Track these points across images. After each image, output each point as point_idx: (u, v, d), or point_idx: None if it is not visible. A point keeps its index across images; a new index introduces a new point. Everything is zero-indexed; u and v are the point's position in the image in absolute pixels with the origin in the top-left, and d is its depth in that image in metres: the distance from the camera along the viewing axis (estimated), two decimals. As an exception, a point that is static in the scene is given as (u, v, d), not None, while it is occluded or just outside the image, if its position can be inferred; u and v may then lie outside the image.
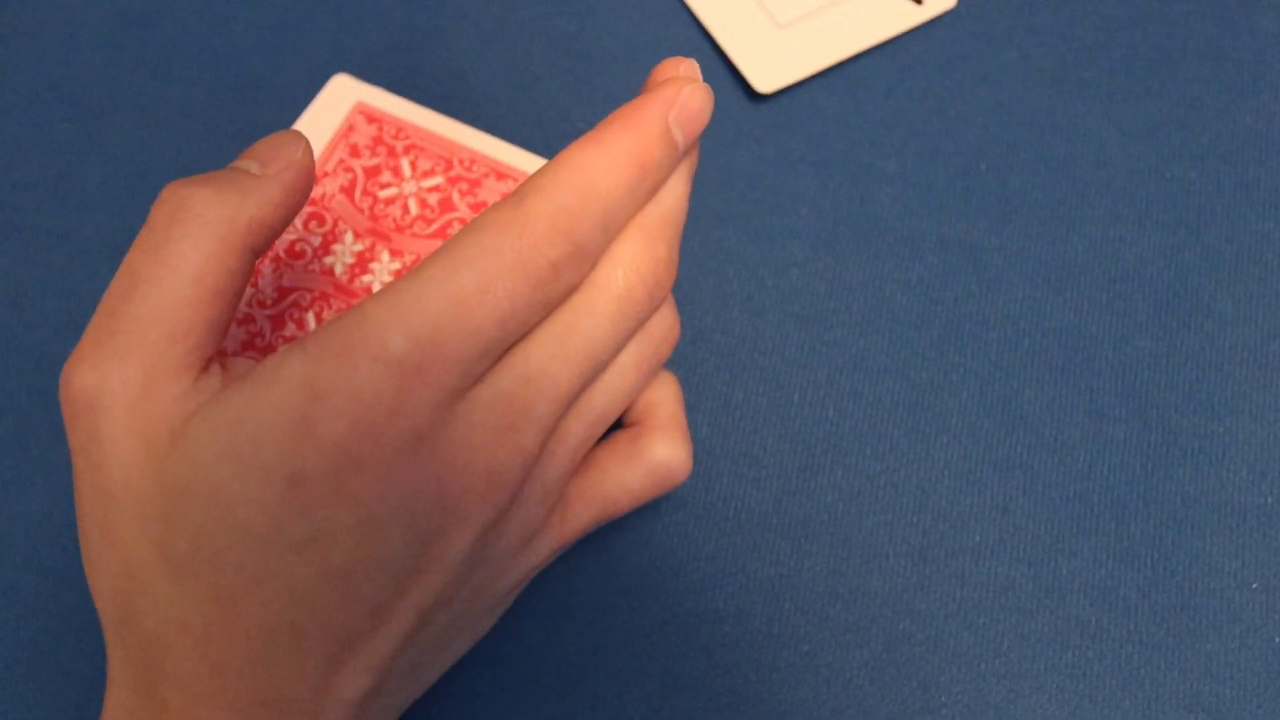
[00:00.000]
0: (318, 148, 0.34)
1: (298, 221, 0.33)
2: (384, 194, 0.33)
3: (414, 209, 0.33)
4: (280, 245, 0.33)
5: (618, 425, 0.33)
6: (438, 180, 0.34)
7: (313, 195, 0.33)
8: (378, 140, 0.34)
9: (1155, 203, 0.36)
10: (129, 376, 0.22)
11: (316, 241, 0.33)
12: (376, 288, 0.32)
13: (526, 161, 0.34)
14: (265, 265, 0.32)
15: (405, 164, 0.34)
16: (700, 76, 0.25)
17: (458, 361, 0.21)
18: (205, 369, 0.23)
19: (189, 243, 0.22)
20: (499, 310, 0.21)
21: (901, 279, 0.35)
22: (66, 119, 0.37)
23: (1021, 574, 0.32)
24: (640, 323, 0.24)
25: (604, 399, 0.25)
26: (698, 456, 0.33)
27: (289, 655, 0.21)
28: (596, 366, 0.24)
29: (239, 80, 0.38)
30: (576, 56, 0.38)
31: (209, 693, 0.21)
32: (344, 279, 0.32)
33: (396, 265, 0.32)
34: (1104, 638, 0.31)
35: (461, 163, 0.34)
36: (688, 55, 0.39)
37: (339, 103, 0.34)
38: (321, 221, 0.33)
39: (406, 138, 0.34)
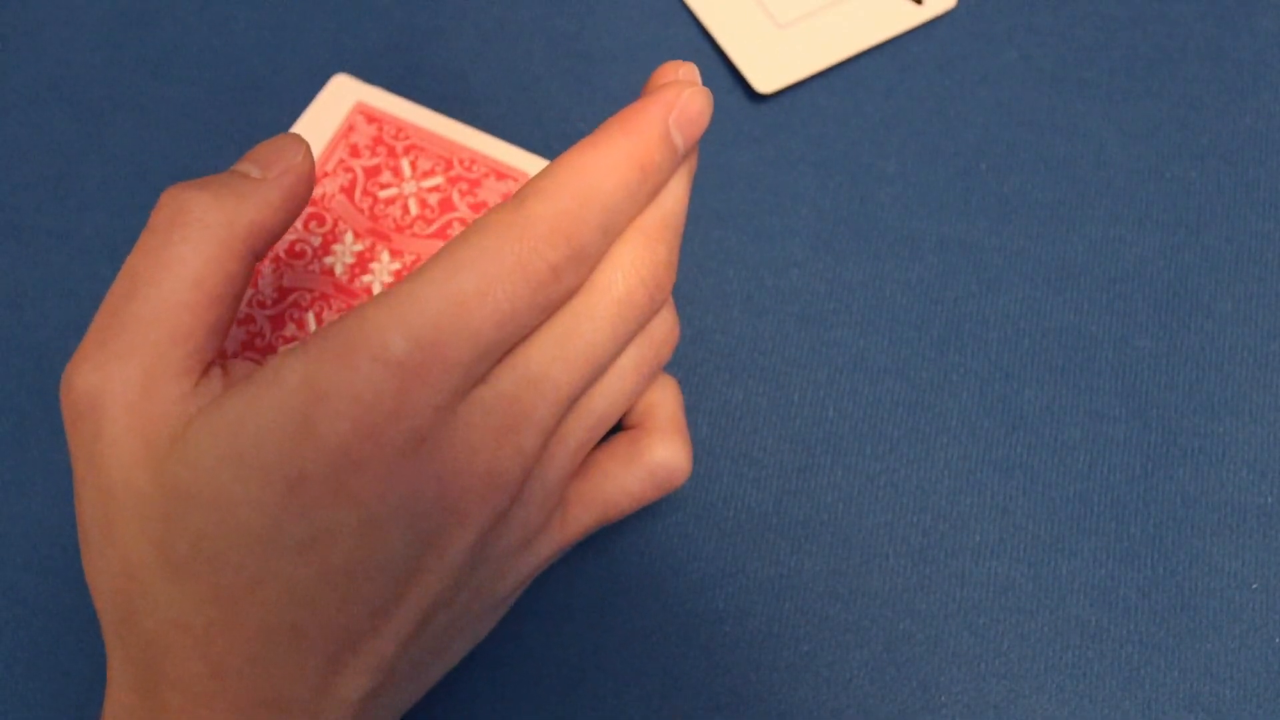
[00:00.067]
0: (318, 148, 0.34)
1: (298, 221, 0.33)
2: (384, 194, 0.33)
3: (414, 209, 0.33)
4: (280, 245, 0.33)
5: (618, 428, 0.33)
6: (438, 180, 0.34)
7: (313, 195, 0.33)
8: (378, 140, 0.34)
9: (1155, 203, 0.36)
10: (130, 378, 0.22)
11: (316, 241, 0.33)
12: (376, 288, 0.32)
13: (526, 161, 0.34)
14: (265, 266, 0.32)
15: (405, 164, 0.34)
16: (700, 80, 0.25)
17: (458, 363, 0.21)
18: (206, 372, 0.23)
19: (189, 246, 0.23)
20: (499, 312, 0.21)
21: (901, 279, 0.35)
22: (66, 119, 0.37)
23: (1021, 574, 0.32)
24: (640, 325, 0.24)
25: (604, 401, 0.25)
26: (698, 456, 0.33)
27: (289, 656, 0.21)
28: (596, 369, 0.24)
29: (239, 80, 0.38)
30: (576, 56, 0.38)
31: (209, 693, 0.21)
32: (344, 279, 0.32)
33: (396, 265, 0.32)
34: (1104, 638, 0.31)
35: (461, 163, 0.34)
36: (688, 55, 0.39)
37: (339, 103, 0.34)
38: (321, 221, 0.33)
39: (406, 138, 0.34)
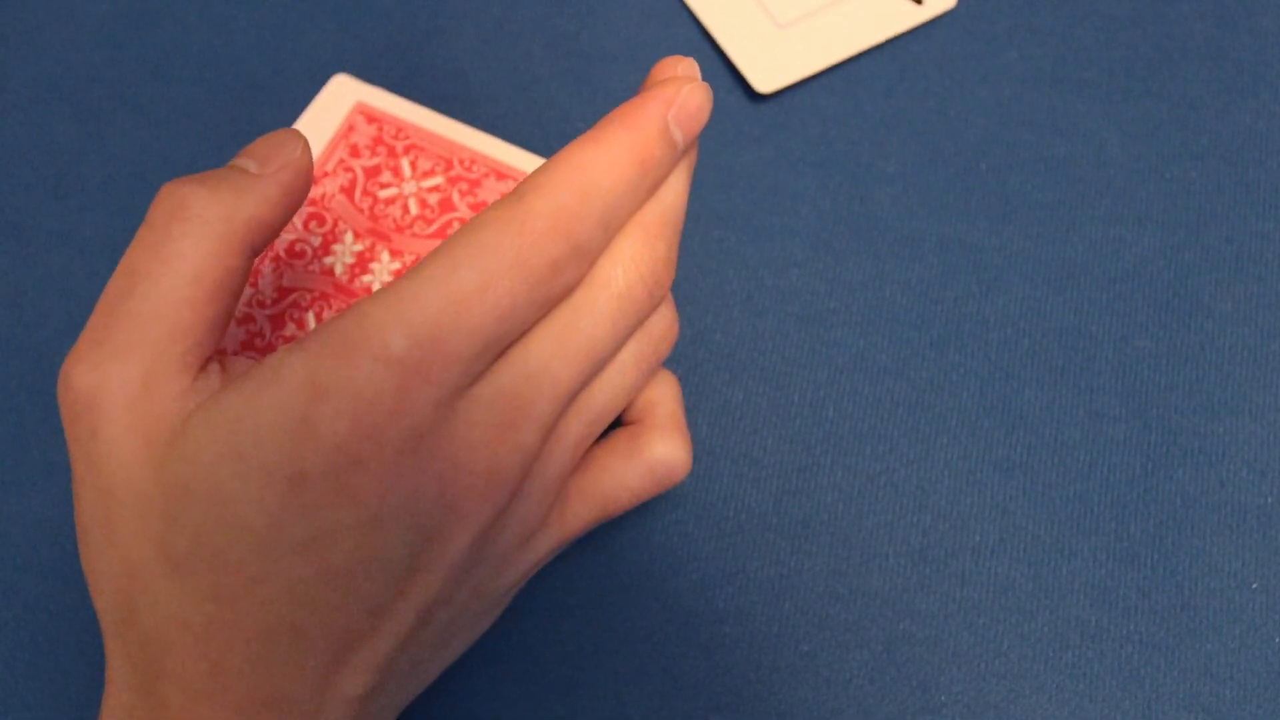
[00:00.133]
0: (318, 148, 0.34)
1: (298, 221, 0.33)
2: (384, 194, 0.33)
3: (414, 209, 0.33)
4: (280, 245, 0.33)
5: (617, 423, 0.33)
6: (438, 180, 0.34)
7: (313, 195, 0.33)
8: (378, 140, 0.34)
9: (1155, 203, 0.36)
10: (128, 376, 0.22)
11: (316, 241, 0.33)
12: (376, 288, 0.32)
13: (526, 161, 0.34)
14: (265, 265, 0.32)
15: (405, 164, 0.34)
16: (699, 75, 0.25)
17: (458, 360, 0.21)
18: (204, 368, 0.23)
19: (188, 242, 0.22)
20: (499, 308, 0.21)
21: (901, 279, 0.35)
22: (66, 119, 0.37)
23: (1021, 574, 0.32)
24: (640, 321, 0.24)
25: (603, 397, 0.25)
26: (698, 456, 0.33)
27: (289, 654, 0.21)
28: (596, 365, 0.24)
29: (239, 80, 0.38)
30: (576, 56, 0.38)
31: (209, 691, 0.21)
32: (344, 279, 0.32)
33: (396, 265, 0.32)
34: (1104, 638, 0.31)
35: (461, 163, 0.34)
36: (687, 55, 0.39)
37: (339, 103, 0.34)
38: (321, 221, 0.33)
39: (406, 138, 0.34)
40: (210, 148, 0.37)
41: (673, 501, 0.32)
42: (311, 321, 0.32)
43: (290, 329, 0.32)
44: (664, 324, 0.26)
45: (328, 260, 0.32)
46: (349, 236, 0.33)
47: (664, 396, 0.28)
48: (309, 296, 0.32)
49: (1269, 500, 0.32)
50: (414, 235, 0.33)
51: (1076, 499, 0.32)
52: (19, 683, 0.30)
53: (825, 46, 0.38)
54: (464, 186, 0.33)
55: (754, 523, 0.32)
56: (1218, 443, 0.33)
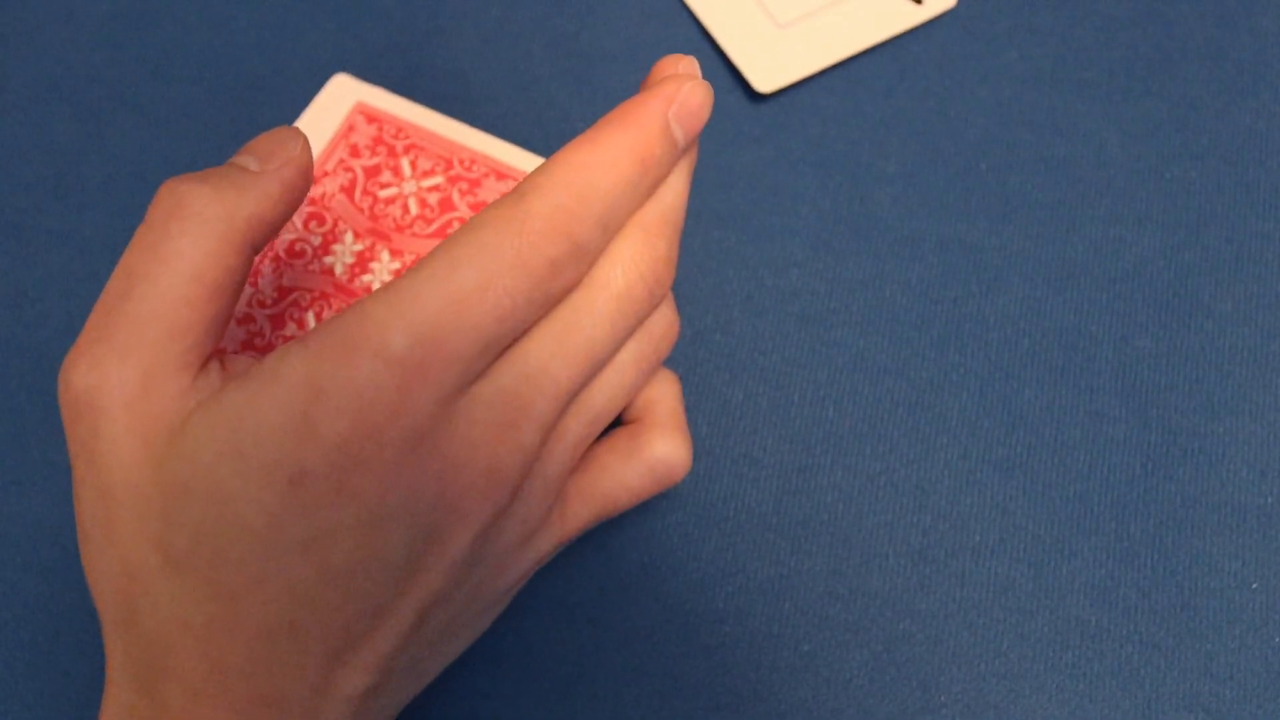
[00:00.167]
0: (318, 147, 0.34)
1: (297, 221, 0.33)
2: (384, 194, 0.33)
3: (414, 209, 0.33)
4: (280, 245, 0.33)
5: (617, 423, 0.33)
6: (438, 180, 0.34)
7: (313, 195, 0.33)
8: (378, 140, 0.34)
9: (1155, 203, 0.36)
10: (128, 375, 0.22)
11: (316, 241, 0.33)
12: (376, 287, 0.32)
13: (526, 161, 0.34)
14: (265, 265, 0.32)
15: (405, 164, 0.34)
16: (699, 74, 0.25)
17: (458, 359, 0.21)
18: (204, 367, 0.23)
19: (187, 240, 0.22)
20: (499, 308, 0.21)
21: (901, 279, 0.35)
22: (66, 119, 0.37)
23: (1021, 574, 0.32)
24: (640, 321, 0.24)
25: (603, 396, 0.25)
26: (698, 456, 0.33)
27: (289, 653, 0.21)
28: (596, 364, 0.24)
29: (239, 80, 0.38)
30: (576, 56, 0.38)
31: (209, 691, 0.21)
32: (344, 279, 0.32)
33: (396, 265, 0.32)
34: (1104, 638, 0.31)
35: (461, 163, 0.34)
36: (687, 55, 0.39)
37: (339, 103, 0.34)
38: (321, 221, 0.33)
39: (406, 138, 0.34)
40: (210, 148, 0.37)
41: (673, 501, 0.32)
42: (311, 321, 0.32)
43: (290, 329, 0.32)
44: (664, 324, 0.26)
45: (328, 260, 0.32)
46: (349, 236, 0.33)
47: (664, 396, 0.28)
48: (309, 296, 0.32)
49: (1269, 500, 0.32)
50: (414, 235, 0.33)
51: (1076, 499, 0.32)
52: (19, 683, 0.30)
53: (825, 46, 0.38)
54: (464, 186, 0.33)
55: (754, 523, 0.32)
56: (1218, 443, 0.33)
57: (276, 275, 0.32)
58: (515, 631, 0.31)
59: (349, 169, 0.34)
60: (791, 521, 0.32)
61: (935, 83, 0.38)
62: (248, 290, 0.32)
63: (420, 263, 0.22)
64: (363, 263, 0.32)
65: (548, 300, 0.22)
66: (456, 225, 0.33)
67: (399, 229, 0.33)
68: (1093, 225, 0.36)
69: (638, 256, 0.24)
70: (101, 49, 0.39)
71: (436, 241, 0.33)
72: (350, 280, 0.32)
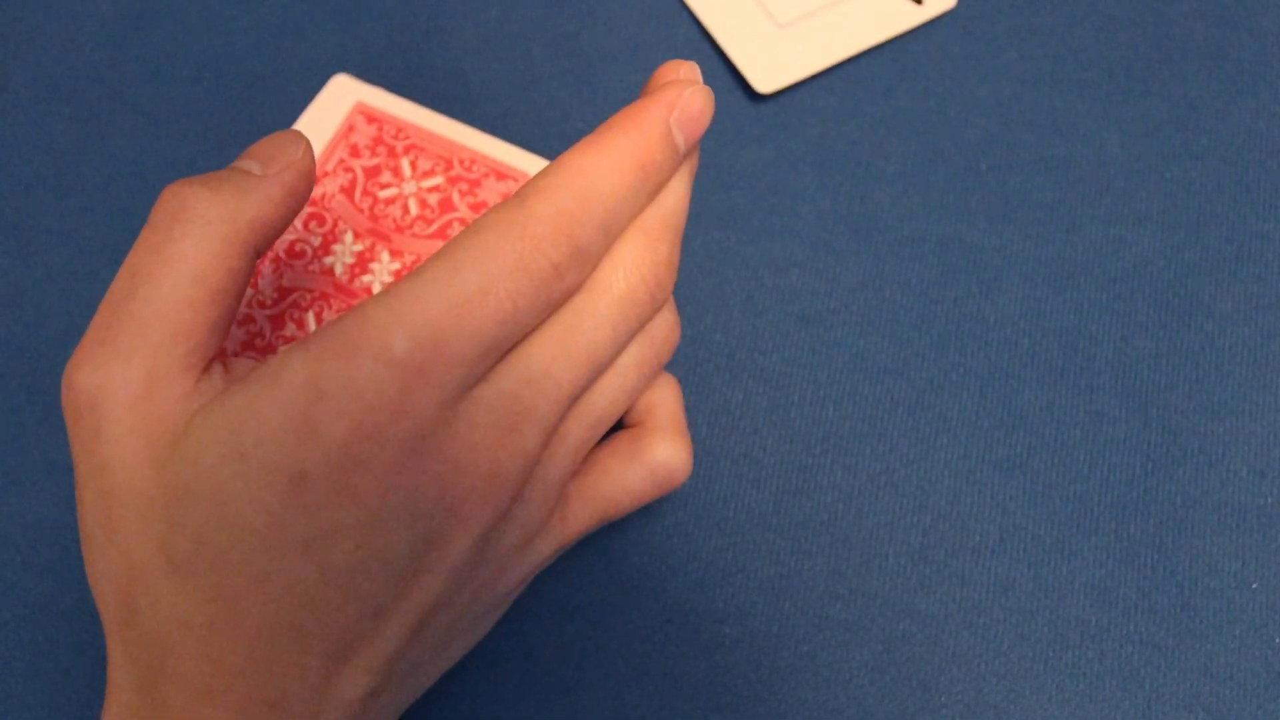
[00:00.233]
0: (318, 148, 0.34)
1: (298, 221, 0.33)
2: (384, 194, 0.33)
3: (414, 209, 0.33)
4: (280, 245, 0.33)
5: (618, 426, 0.33)
6: (438, 180, 0.34)
7: (313, 195, 0.33)
8: (378, 140, 0.34)
9: (1155, 203, 0.36)
10: (131, 377, 0.22)
11: (316, 241, 0.33)
12: (376, 288, 0.32)
13: (526, 161, 0.34)
14: (265, 265, 0.32)
15: (405, 164, 0.34)
16: (701, 79, 0.25)
17: (460, 362, 0.21)
18: (207, 369, 0.23)
19: (190, 243, 0.23)
20: (501, 311, 0.21)
21: (901, 279, 0.35)
22: (66, 119, 0.37)
23: (1021, 574, 0.32)
24: (641, 324, 0.24)
25: (605, 400, 0.25)
26: (698, 456, 0.33)
27: (291, 655, 0.21)
28: (597, 368, 0.24)
29: (239, 80, 0.38)
30: (576, 56, 0.38)
31: (210, 692, 0.21)
32: (344, 279, 0.32)
33: (396, 265, 0.32)
34: (1104, 638, 0.31)
35: (461, 163, 0.34)
36: (688, 55, 0.39)
37: (339, 103, 0.34)
38: (321, 221, 0.33)
39: (406, 138, 0.34)
40: (210, 148, 0.37)
41: (673, 502, 0.32)
42: (311, 321, 0.32)
43: (290, 329, 0.32)
44: (665, 327, 0.26)
45: (328, 260, 0.32)
46: (349, 236, 0.33)
47: (665, 399, 0.28)
48: (309, 296, 0.32)
49: (1269, 500, 0.32)
50: (414, 235, 0.33)
51: (1076, 499, 0.33)
52: (19, 683, 0.30)
53: (825, 46, 0.38)
54: (464, 186, 0.33)
55: (754, 523, 0.32)
56: (1218, 443, 0.33)
57: (276, 276, 0.32)
58: (516, 633, 0.31)
59: (349, 169, 0.34)
60: (791, 521, 0.32)
61: (935, 83, 0.38)
62: (248, 291, 0.32)
63: (422, 265, 0.22)
64: (363, 263, 0.32)
65: (550, 304, 0.22)
66: (456, 226, 0.33)
67: (399, 229, 0.33)
68: (1093, 225, 0.36)
69: (639, 260, 0.24)
70: (101, 49, 0.39)
71: (437, 242, 0.33)
72: (350, 281, 0.32)
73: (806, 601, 0.31)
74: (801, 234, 0.36)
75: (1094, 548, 0.32)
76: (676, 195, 0.24)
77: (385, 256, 0.33)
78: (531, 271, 0.22)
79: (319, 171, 0.34)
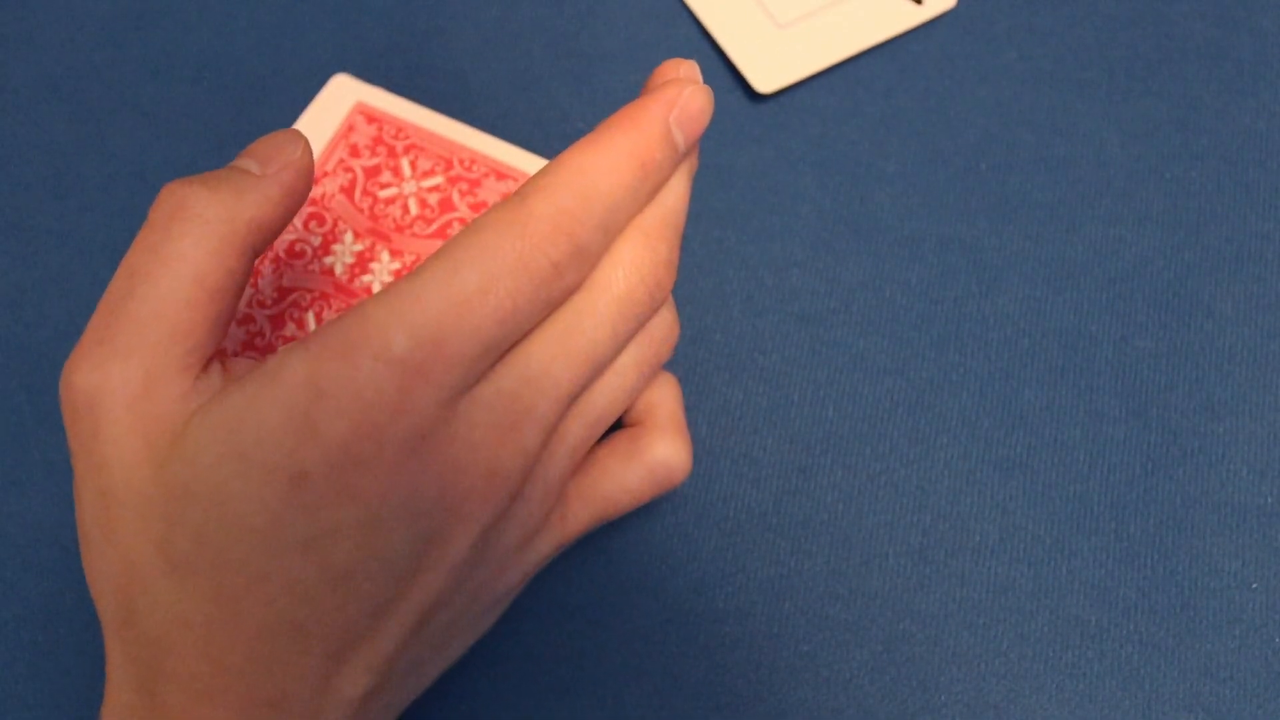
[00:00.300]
0: (318, 148, 0.34)
1: (298, 221, 0.33)
2: (384, 194, 0.33)
3: (414, 209, 0.33)
4: (280, 245, 0.33)
5: (618, 425, 0.33)
6: (438, 180, 0.34)
7: (312, 195, 0.33)
8: (378, 140, 0.34)
9: (1155, 203, 0.36)
10: (130, 376, 0.22)
11: (316, 241, 0.33)
12: (376, 288, 0.32)
13: (526, 161, 0.34)
14: (265, 265, 0.32)
15: (405, 164, 0.34)
16: (701, 78, 0.25)
17: (460, 361, 0.21)
18: (206, 369, 0.23)
19: (189, 242, 0.23)
20: (500, 310, 0.21)
21: (901, 279, 0.35)
22: (66, 119, 0.37)
23: (1021, 574, 0.32)
24: (641, 323, 0.24)
25: (604, 399, 0.25)
26: (698, 456, 0.33)
27: (290, 654, 0.21)
28: (597, 367, 0.24)
29: (239, 80, 0.38)
30: (576, 56, 0.38)
31: (210, 691, 0.21)
32: (344, 279, 0.32)
33: (396, 265, 0.32)
34: (1104, 638, 0.31)
35: (461, 163, 0.34)
36: (688, 55, 0.39)
37: (339, 103, 0.34)
38: (321, 221, 0.33)
39: (406, 138, 0.34)
40: (210, 148, 0.37)
41: (673, 502, 0.32)
42: (311, 321, 0.32)
43: (290, 329, 0.32)
44: (665, 326, 0.26)
45: (327, 260, 0.32)
46: (349, 236, 0.33)
47: (664, 398, 0.28)
48: (309, 296, 0.32)
49: (1269, 500, 0.32)
50: (414, 235, 0.33)
51: (1076, 499, 0.32)
52: (19, 683, 0.30)
53: (825, 46, 0.38)
54: (464, 186, 0.33)
55: (754, 523, 0.32)
56: (1218, 443, 0.33)
57: (276, 275, 0.32)
58: (515, 632, 0.31)
59: (349, 169, 0.34)
60: (791, 521, 0.32)
61: (935, 83, 0.38)
62: (248, 291, 0.32)
63: (421, 265, 0.22)
64: (362, 263, 0.32)
65: (549, 303, 0.22)
66: (456, 225, 0.33)
67: (399, 229, 0.33)
68: (1093, 225, 0.36)
69: (639, 259, 0.24)
70: (101, 49, 0.39)
71: (436, 242, 0.33)
72: (350, 280, 0.32)
73: (806, 601, 0.31)
74: (801, 234, 0.36)
75: (1094, 548, 0.32)
76: (676, 194, 0.24)
77: (385, 256, 0.33)
78: (531, 270, 0.22)
79: (319, 171, 0.34)
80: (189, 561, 0.21)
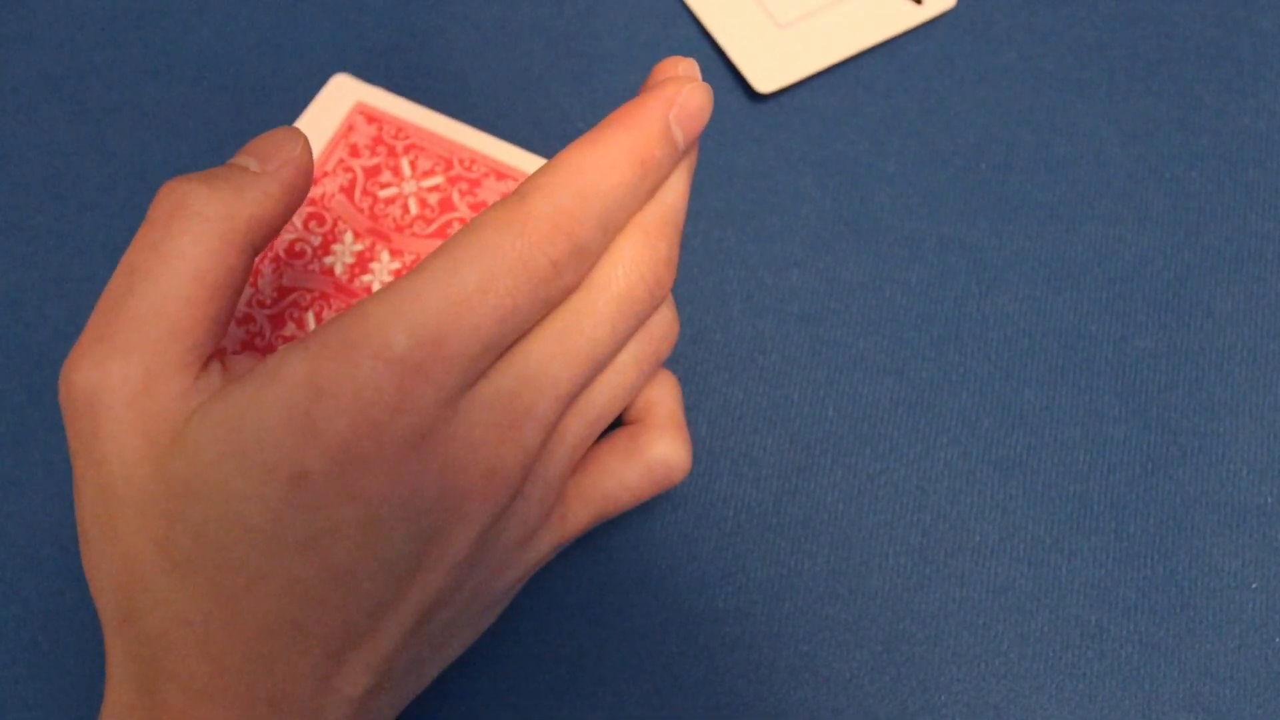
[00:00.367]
0: (317, 147, 0.34)
1: (297, 221, 0.33)
2: (384, 194, 0.33)
3: (414, 209, 0.33)
4: (280, 245, 0.33)
5: (617, 423, 0.33)
6: (438, 180, 0.34)
7: (312, 195, 0.33)
8: (378, 140, 0.34)
9: (1155, 203, 0.36)
10: (130, 374, 0.22)
11: (316, 241, 0.33)
12: (376, 287, 0.32)
13: (526, 161, 0.34)
14: (265, 265, 0.32)
15: (405, 164, 0.34)
16: (700, 75, 0.25)
17: (459, 359, 0.21)
18: (206, 367, 0.23)
19: (188, 240, 0.22)
20: (500, 308, 0.21)
21: (901, 279, 0.35)
22: (66, 119, 0.37)
23: (1021, 574, 0.32)
24: (640, 322, 0.24)
25: (604, 397, 0.25)
26: (698, 456, 0.33)
27: (290, 653, 0.21)
28: (596, 365, 0.24)
29: (239, 80, 0.38)
30: (576, 56, 0.38)
31: (210, 690, 0.21)
32: (344, 279, 0.32)
33: (396, 265, 0.32)
34: (1104, 638, 0.31)
35: (461, 163, 0.34)
36: (687, 55, 0.39)
37: (339, 103, 0.34)
38: (321, 221, 0.33)
39: (406, 138, 0.34)
40: (210, 148, 0.37)
41: (673, 501, 0.32)
42: (311, 321, 0.32)
43: (290, 329, 0.32)
44: (664, 325, 0.26)
45: (327, 260, 0.32)
46: (349, 236, 0.33)
47: (664, 397, 0.28)
48: (309, 296, 0.32)
49: (1269, 500, 0.32)
50: (414, 235, 0.33)
51: (1076, 499, 0.32)
52: (19, 683, 0.30)
53: (825, 46, 0.38)
54: (464, 186, 0.33)
55: (754, 523, 0.32)
56: (1218, 443, 0.33)
57: (276, 275, 0.32)
58: (515, 632, 0.31)
59: (349, 169, 0.34)
60: (791, 521, 0.32)
61: (935, 83, 0.38)
62: (247, 290, 0.32)
63: (421, 263, 0.22)
64: (362, 263, 0.32)
65: (549, 301, 0.22)
66: (456, 225, 0.33)
67: (399, 229, 0.33)
68: (1093, 225, 0.36)
69: (638, 258, 0.24)
70: (101, 49, 0.39)
71: (436, 241, 0.33)
72: (350, 280, 0.32)
73: (806, 601, 0.31)
74: (801, 234, 0.36)
75: (1094, 548, 0.32)
76: (676, 192, 0.24)
77: (385, 256, 0.33)
78: (531, 269, 0.22)
79: (318, 171, 0.34)
80: (189, 560, 0.21)
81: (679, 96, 0.24)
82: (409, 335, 0.21)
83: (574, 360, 0.23)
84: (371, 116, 0.34)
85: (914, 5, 0.39)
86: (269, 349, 0.31)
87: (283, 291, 0.32)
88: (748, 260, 0.35)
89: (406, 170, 0.34)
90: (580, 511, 0.27)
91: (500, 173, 0.34)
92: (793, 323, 0.35)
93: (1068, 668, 0.31)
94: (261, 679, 0.21)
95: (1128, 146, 0.37)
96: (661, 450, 0.27)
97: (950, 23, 0.39)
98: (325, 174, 0.34)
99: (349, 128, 0.34)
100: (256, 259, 0.30)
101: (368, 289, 0.32)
